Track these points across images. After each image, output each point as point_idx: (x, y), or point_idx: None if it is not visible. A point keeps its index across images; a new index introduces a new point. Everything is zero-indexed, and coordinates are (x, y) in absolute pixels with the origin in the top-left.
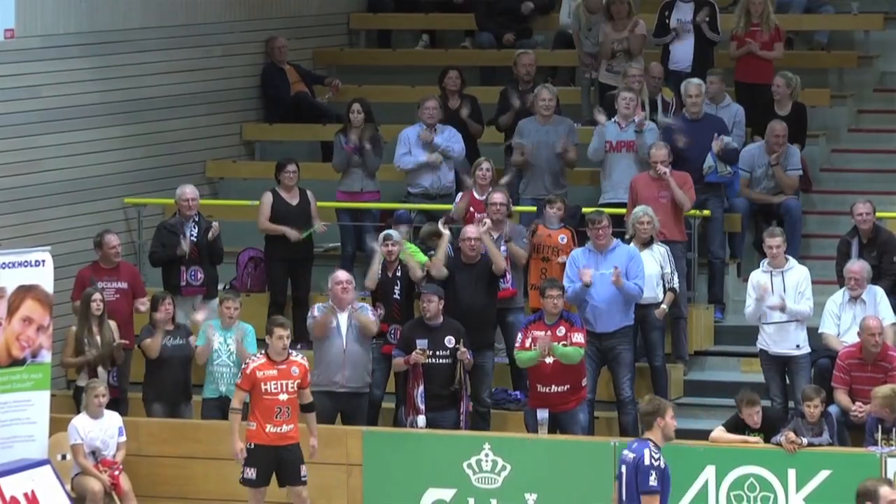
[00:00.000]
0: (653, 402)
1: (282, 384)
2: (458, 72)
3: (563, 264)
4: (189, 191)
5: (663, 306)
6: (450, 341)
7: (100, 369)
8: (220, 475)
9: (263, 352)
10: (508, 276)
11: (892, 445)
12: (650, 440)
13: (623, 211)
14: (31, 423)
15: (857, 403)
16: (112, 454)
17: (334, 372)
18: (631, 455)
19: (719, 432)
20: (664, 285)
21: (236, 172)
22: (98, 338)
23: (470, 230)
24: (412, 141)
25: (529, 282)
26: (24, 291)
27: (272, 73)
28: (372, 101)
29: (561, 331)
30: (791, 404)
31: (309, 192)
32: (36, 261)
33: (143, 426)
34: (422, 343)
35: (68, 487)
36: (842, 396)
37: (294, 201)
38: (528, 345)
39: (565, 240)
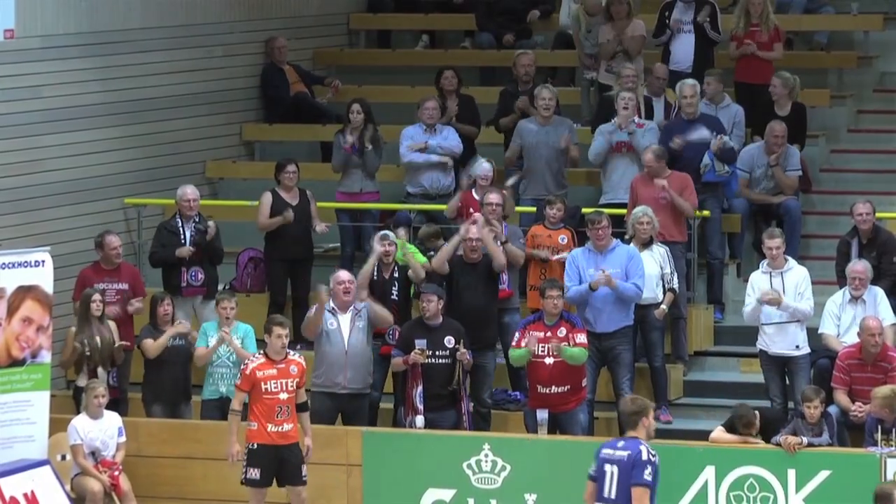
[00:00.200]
0: (636, 401)
1: (282, 383)
2: (454, 72)
3: (563, 264)
4: (190, 191)
5: (663, 307)
6: (449, 341)
7: (99, 370)
8: (220, 476)
9: (262, 352)
10: (504, 277)
11: (891, 446)
12: (639, 438)
13: (623, 211)
14: (30, 423)
15: (857, 404)
16: (112, 454)
17: (336, 373)
18: (624, 453)
19: (719, 433)
20: (664, 286)
21: (236, 173)
22: (97, 338)
23: (471, 230)
24: (415, 139)
25: (529, 282)
26: (24, 292)
27: (272, 74)
28: (372, 102)
29: (562, 331)
30: (791, 405)
31: (309, 193)
32: (36, 261)
33: (143, 426)
34: (420, 343)
35: (68, 488)
36: (841, 397)
37: (294, 201)
38: (523, 344)
39: (565, 240)
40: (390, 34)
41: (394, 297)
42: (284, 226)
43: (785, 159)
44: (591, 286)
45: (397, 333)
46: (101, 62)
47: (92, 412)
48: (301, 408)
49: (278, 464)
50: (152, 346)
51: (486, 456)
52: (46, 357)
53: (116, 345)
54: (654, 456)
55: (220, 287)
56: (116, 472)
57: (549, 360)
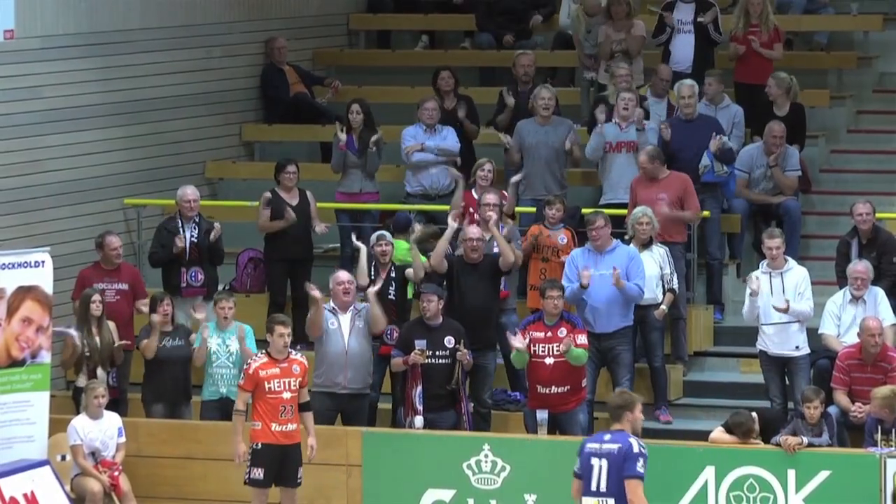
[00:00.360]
0: (622, 396)
1: (285, 382)
2: (451, 72)
3: (563, 264)
4: (190, 192)
5: (663, 307)
6: (449, 341)
7: (99, 370)
8: (220, 476)
9: (264, 351)
10: (502, 278)
11: (891, 446)
12: (625, 431)
13: (623, 212)
14: (30, 423)
15: (857, 404)
16: (111, 455)
17: (336, 373)
18: (613, 446)
19: (719, 433)
20: (664, 286)
21: (236, 173)
22: (97, 339)
23: (472, 231)
24: (416, 139)
25: (529, 282)
26: (24, 292)
27: (272, 74)
28: (371, 102)
29: (562, 332)
30: (790, 405)
31: (308, 193)
32: (35, 262)
33: (143, 427)
34: (420, 343)
35: (68, 488)
36: (841, 397)
37: (294, 202)
38: (516, 345)
39: (565, 240)
40: (390, 34)
41: (391, 296)
42: (284, 226)
43: (784, 160)
44: (581, 284)
45: (395, 333)
46: (101, 62)
47: (92, 412)
48: (304, 407)
49: (280, 464)
50: (146, 346)
51: (486, 456)
52: (46, 357)
53: (116, 345)
54: (643, 448)
55: (220, 287)
56: (116, 473)
57: (549, 361)
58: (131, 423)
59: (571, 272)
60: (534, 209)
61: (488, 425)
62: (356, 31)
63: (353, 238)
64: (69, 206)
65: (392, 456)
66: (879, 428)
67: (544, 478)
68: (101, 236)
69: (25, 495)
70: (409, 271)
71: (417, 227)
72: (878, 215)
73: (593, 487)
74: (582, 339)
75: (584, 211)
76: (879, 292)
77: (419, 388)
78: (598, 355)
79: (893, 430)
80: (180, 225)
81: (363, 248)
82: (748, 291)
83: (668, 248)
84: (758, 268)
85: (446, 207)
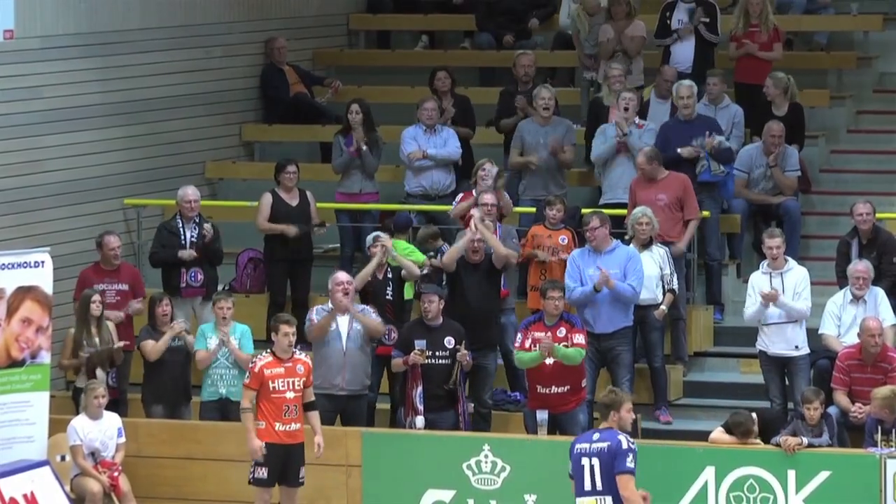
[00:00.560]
0: (609, 395)
1: (289, 382)
2: (447, 72)
3: (563, 264)
4: (191, 192)
5: (662, 307)
6: (449, 342)
7: (99, 370)
8: (220, 476)
9: (269, 350)
10: (501, 277)
11: (891, 446)
12: (613, 429)
13: (623, 212)
14: (30, 424)
15: (857, 404)
16: (111, 455)
17: (335, 374)
18: (603, 444)
19: (719, 433)
20: (663, 286)
21: (236, 173)
22: (97, 339)
23: (472, 232)
24: (416, 139)
25: (529, 283)
26: (24, 292)
27: (271, 74)
28: (371, 102)
29: (561, 332)
30: (790, 405)
31: (308, 193)
32: (35, 262)
33: (143, 427)
34: (420, 343)
35: (67, 488)
36: (841, 397)
37: (294, 202)
38: (528, 346)
39: (566, 241)
40: (390, 35)
41: (388, 297)
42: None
43: (783, 160)
44: (595, 287)
45: (393, 333)
46: (101, 63)
47: (91, 413)
48: (309, 407)
49: (283, 463)
50: (153, 348)
51: (486, 457)
52: (46, 358)
53: (116, 346)
54: (632, 444)
55: (219, 288)
56: (116, 473)
57: (549, 361)
58: (131, 424)
59: (573, 272)
60: (534, 209)
61: (488, 425)
62: (356, 32)
63: (378, 240)
64: (69, 206)
65: (392, 456)
66: (879, 428)
67: (544, 478)
68: (101, 236)
69: (25, 496)
70: (405, 271)
71: (383, 234)
72: (878, 215)
73: (587, 487)
74: (579, 338)
75: (583, 211)
76: (880, 292)
77: (419, 389)
78: (597, 355)
79: (893, 431)
80: (181, 225)
81: (378, 256)
82: (757, 297)
83: (667, 249)
84: (758, 268)
85: (446, 208)
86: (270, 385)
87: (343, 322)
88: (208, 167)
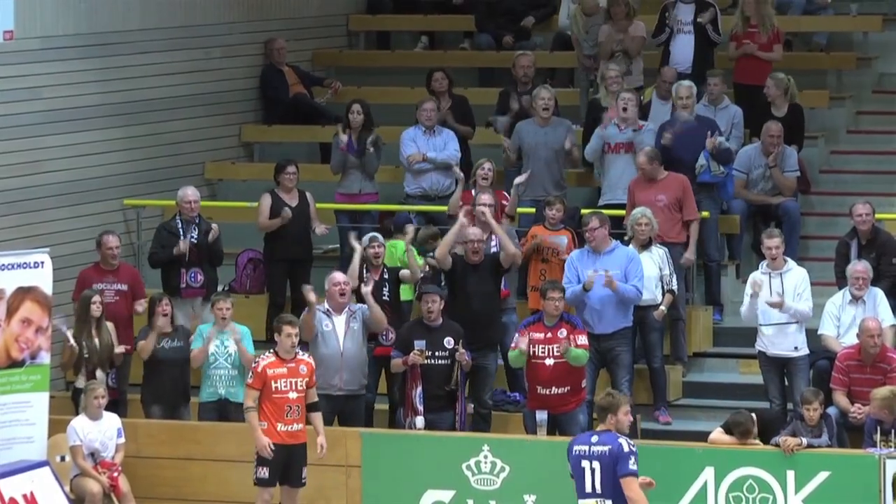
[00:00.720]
0: (607, 398)
1: (291, 382)
2: (444, 72)
3: (563, 264)
4: (191, 193)
5: (662, 308)
6: (448, 342)
7: (98, 371)
8: (219, 476)
9: (272, 350)
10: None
11: (890, 447)
12: (611, 431)
13: (621, 212)
14: (29, 424)
15: (856, 405)
16: (111, 456)
17: (332, 375)
18: (604, 448)
19: (718, 434)
20: (663, 287)
21: (235, 174)
22: (96, 340)
23: (472, 232)
24: (416, 141)
25: (529, 283)
26: (24, 293)
27: (271, 75)
28: (371, 103)
29: (562, 332)
30: (790, 406)
31: (308, 194)
32: (35, 262)
33: (142, 428)
34: (419, 344)
35: (67, 489)
36: (841, 398)
37: (293, 203)
38: (520, 344)
39: (566, 241)
40: (389, 35)
41: (385, 298)
42: (284, 227)
43: (783, 160)
44: (584, 286)
45: (390, 334)
46: (101, 63)
47: (91, 413)
48: (313, 408)
49: (285, 463)
50: (142, 346)
51: (486, 457)
52: (45, 358)
53: (115, 351)
54: (633, 446)
55: (219, 288)
56: (116, 474)
57: (549, 362)
58: (131, 424)
59: (571, 273)
60: (533, 210)
61: (488, 426)
62: (356, 32)
63: (351, 238)
64: (69, 206)
65: (391, 457)
66: (879, 429)
67: (544, 478)
68: (100, 235)
69: (25, 496)
70: (405, 272)
71: (410, 229)
72: (877, 216)
73: (588, 489)
74: (582, 339)
75: (583, 212)
76: (879, 293)
77: (419, 389)
78: (597, 356)
79: (893, 431)
80: (180, 226)
81: (358, 249)
82: (748, 292)
83: (667, 249)
84: (757, 268)
85: (446, 208)
86: (273, 385)
87: (340, 323)
88: (208, 168)
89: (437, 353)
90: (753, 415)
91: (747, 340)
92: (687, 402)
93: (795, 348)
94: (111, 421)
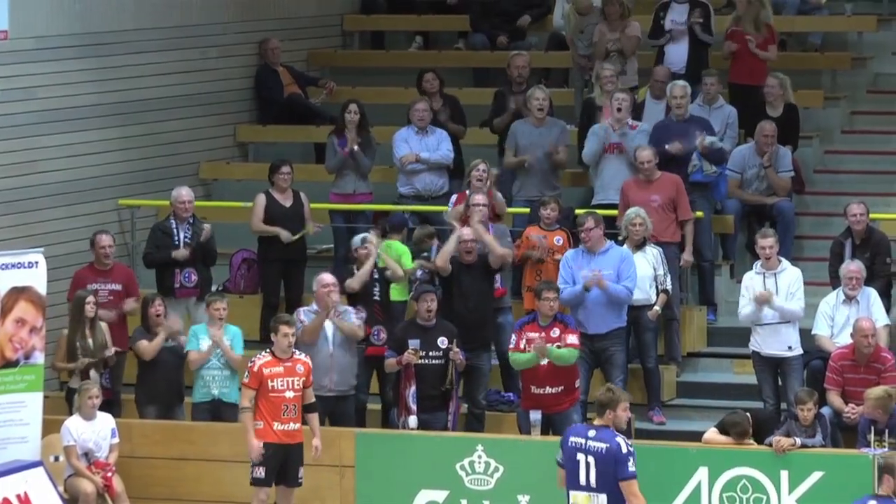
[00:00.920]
0: (607, 393)
1: (288, 381)
2: (435, 73)
3: (558, 264)
4: (185, 193)
5: (656, 308)
6: (442, 342)
7: (92, 371)
8: (213, 477)
9: (269, 350)
10: (497, 276)
11: (884, 447)
12: (609, 428)
13: (614, 212)
14: (23, 424)
15: (850, 405)
16: (105, 456)
17: (322, 376)
18: (601, 444)
19: (712, 434)
20: (657, 287)
21: (230, 174)
22: (90, 340)
23: (465, 232)
24: (408, 142)
25: (524, 283)
26: (18, 293)
27: (266, 75)
28: (365, 103)
29: (555, 332)
30: (783, 406)
31: (302, 194)
32: (29, 262)
33: (136, 428)
34: (414, 343)
35: (61, 489)
36: (834, 398)
37: (287, 203)
38: (522, 346)
39: (561, 241)
40: (384, 35)
41: (376, 297)
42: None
43: (777, 160)
44: (585, 287)
45: (382, 334)
46: (95, 63)
47: (85, 413)
48: (309, 408)
49: (282, 463)
50: (148, 347)
51: (480, 457)
52: (40, 358)
53: (108, 354)
54: (630, 446)
55: (213, 288)
56: (109, 474)
57: (543, 361)
58: (125, 424)
59: (566, 274)
60: (528, 210)
61: (482, 426)
62: (350, 32)
63: (371, 242)
64: (64, 206)
65: (385, 457)
66: (873, 429)
67: (538, 478)
68: (94, 235)
69: (19, 496)
70: (390, 272)
71: (371, 236)
72: (871, 216)
73: (582, 482)
74: (572, 338)
75: (577, 212)
76: (872, 293)
77: (413, 389)
78: (591, 356)
79: (887, 431)
80: (174, 226)
81: (373, 256)
82: (750, 297)
83: (661, 249)
84: (751, 269)
85: (440, 208)
86: (269, 384)
87: (329, 324)
88: (202, 168)
89: (431, 353)
90: (748, 415)
91: (741, 340)
92: (681, 402)
93: (789, 348)
94: (105, 421)
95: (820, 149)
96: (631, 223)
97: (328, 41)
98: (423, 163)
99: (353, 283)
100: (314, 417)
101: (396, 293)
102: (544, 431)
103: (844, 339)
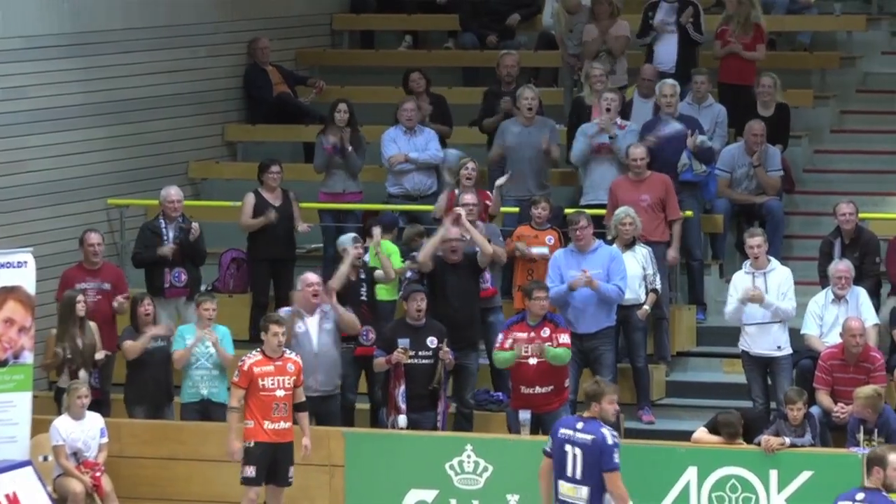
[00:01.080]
0: (593, 386)
1: (278, 380)
2: (421, 72)
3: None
4: (174, 192)
5: (645, 307)
6: (432, 341)
7: (81, 371)
8: (203, 476)
9: (259, 349)
10: (488, 276)
11: (873, 446)
12: (596, 420)
13: (603, 212)
14: (12, 424)
15: (840, 404)
16: (94, 455)
17: (307, 376)
18: (587, 437)
19: (701, 433)
20: (646, 286)
21: (219, 173)
22: (80, 340)
23: (451, 231)
24: (396, 141)
25: (515, 283)
26: (6, 293)
27: (255, 74)
28: (355, 102)
29: (545, 332)
30: (773, 405)
31: (291, 193)
32: (18, 262)
33: (125, 427)
34: (403, 342)
35: (50, 489)
36: (824, 397)
37: (277, 202)
38: (507, 346)
39: (552, 240)
40: (373, 34)
41: (363, 297)
42: (267, 226)
43: (766, 159)
44: (570, 286)
45: (370, 334)
46: (84, 63)
47: (74, 413)
48: (300, 407)
49: (272, 462)
50: (132, 347)
51: (469, 457)
52: (29, 358)
53: (98, 356)
54: (616, 438)
55: (202, 288)
56: (98, 473)
57: (532, 361)
58: (114, 424)
59: (554, 273)
60: (517, 209)
61: (471, 425)
62: (339, 31)
63: (349, 244)
64: (52, 206)
65: (374, 456)
66: (862, 428)
67: (527, 478)
68: (82, 233)
69: (7, 496)
70: (379, 273)
71: (376, 232)
72: (861, 215)
73: (568, 473)
74: (564, 338)
75: (566, 211)
76: (861, 292)
77: (402, 388)
78: (580, 356)
79: (876, 431)
80: (163, 226)
81: (350, 255)
82: (738, 295)
83: (651, 249)
84: (741, 268)
85: (429, 208)
86: (260, 383)
87: (313, 323)
88: (191, 167)
89: (420, 353)
90: (741, 416)
91: (731, 340)
92: (670, 402)
93: (778, 347)
94: (94, 420)
95: (809, 148)
96: (620, 223)
97: (317, 40)
98: (412, 163)
99: (334, 282)
100: (304, 417)
101: (384, 293)
102: (534, 431)
103: (834, 338)
